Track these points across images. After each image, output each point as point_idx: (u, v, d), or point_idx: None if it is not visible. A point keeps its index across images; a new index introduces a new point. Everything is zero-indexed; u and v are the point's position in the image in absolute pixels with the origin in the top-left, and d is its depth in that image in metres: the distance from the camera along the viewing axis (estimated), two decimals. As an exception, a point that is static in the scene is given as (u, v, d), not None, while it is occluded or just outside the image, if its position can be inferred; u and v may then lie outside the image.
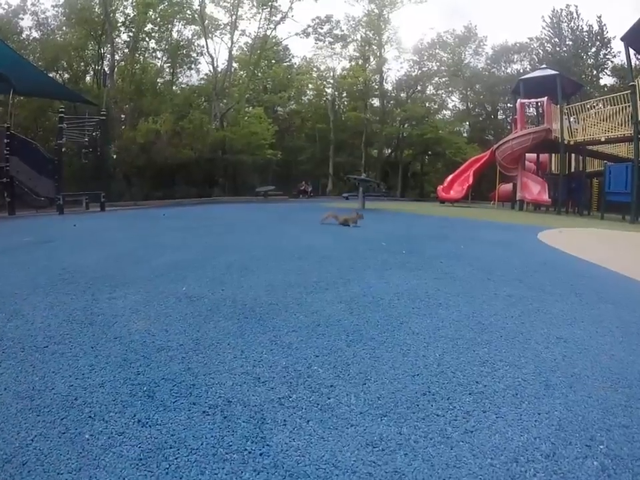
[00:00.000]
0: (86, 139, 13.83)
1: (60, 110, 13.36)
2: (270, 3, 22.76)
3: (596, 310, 2.51)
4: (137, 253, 4.08)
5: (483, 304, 2.46)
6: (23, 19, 22.95)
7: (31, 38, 23.12)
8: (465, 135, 32.46)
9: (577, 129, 16.20)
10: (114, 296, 2.52)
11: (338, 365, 1.57)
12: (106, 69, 21.07)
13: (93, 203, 12.60)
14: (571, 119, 16.63)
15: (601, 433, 1.25)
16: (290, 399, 1.32)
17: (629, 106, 13.61)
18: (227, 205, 15.25)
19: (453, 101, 35.07)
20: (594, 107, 16.35)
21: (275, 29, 24.55)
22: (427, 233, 6.28)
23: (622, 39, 14.93)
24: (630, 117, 13.45)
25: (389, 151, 33.34)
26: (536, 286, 2.98)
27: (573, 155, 18.11)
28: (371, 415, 1.24)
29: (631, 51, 15.10)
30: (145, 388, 1.41)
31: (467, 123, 33.61)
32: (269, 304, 2.33)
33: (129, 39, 23.99)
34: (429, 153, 31.88)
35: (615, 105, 14.69)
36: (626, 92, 14.05)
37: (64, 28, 23.78)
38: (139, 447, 1.10)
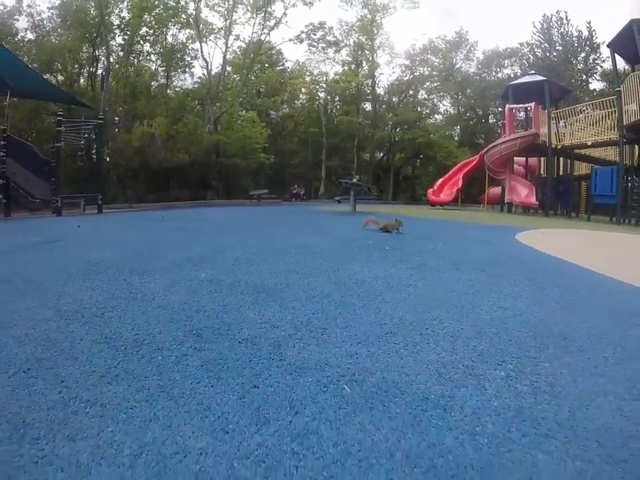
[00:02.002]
0: (82, 142, 14.24)
1: (58, 113, 13.71)
2: (264, 9, 23.48)
3: (542, 292, 3.09)
4: (150, 250, 4.61)
5: (445, 285, 3.04)
6: (18, 20, 23.39)
7: (26, 39, 23.52)
8: (457, 138, 33.34)
9: (564, 133, 16.87)
10: (144, 280, 3.05)
11: (329, 318, 2.14)
12: (103, 72, 21.41)
13: (88, 205, 12.90)
14: (560, 123, 17.20)
15: (512, 358, 1.83)
16: (296, 335, 1.90)
17: (614, 111, 14.24)
18: (221, 207, 15.74)
19: (444, 105, 36.21)
20: (583, 111, 16.81)
21: (269, 34, 25.38)
22: (411, 232, 6.80)
23: (608, 46, 15.62)
24: (616, 121, 14.00)
25: (381, 154, 34.19)
26: (496, 274, 3.60)
27: (561, 159, 18.86)
28: (350, 342, 1.82)
29: (619, 58, 15.91)
30: (193, 332, 1.99)
31: (458, 127, 34.54)
32: (274, 284, 2.90)
33: (123, 42, 24.55)
34: (421, 156, 32.75)
35: (601, 110, 15.30)
36: (611, 97, 14.76)
37: (59, 30, 24.14)
38: (200, 360, 1.70)
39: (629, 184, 14.04)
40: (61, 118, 13.17)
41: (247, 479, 1.03)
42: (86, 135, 14.24)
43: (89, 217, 11.15)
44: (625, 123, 13.39)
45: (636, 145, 14.99)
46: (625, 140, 14.00)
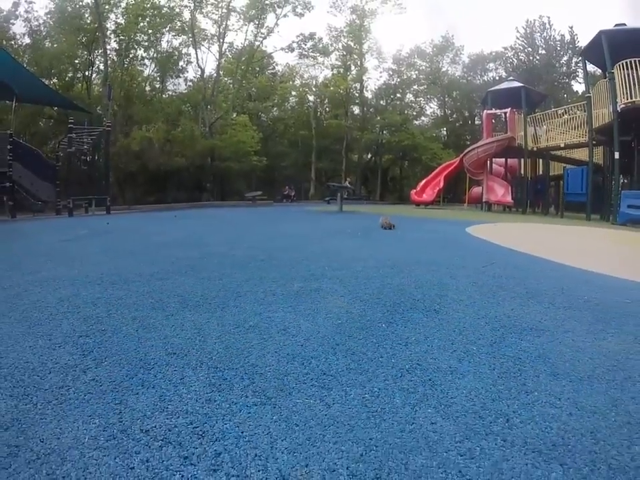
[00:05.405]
0: (86, 147, 15.95)
1: (69, 121, 15.24)
2: (258, 17, 25.50)
3: (444, 250, 5.26)
4: (192, 237, 6.53)
5: (387, 249, 5.33)
6: (14, 24, 24.44)
7: (24, 44, 24.78)
8: (444, 139, 35.82)
9: (540, 136, 18.82)
10: (210, 248, 4.99)
11: (318, 257, 4.32)
12: (109, 82, 22.88)
13: (96, 206, 14.44)
14: (544, 127, 18.85)
15: (400, 266, 4.12)
16: (305, 261, 4.15)
17: (585, 114, 15.89)
18: (220, 208, 17.59)
19: (431, 107, 38.76)
20: (561, 115, 18.44)
21: (261, 42, 27.38)
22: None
23: (580, 55, 17.50)
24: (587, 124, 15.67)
25: (369, 156, 36.66)
26: (424, 245, 5.88)
27: (540, 160, 20.90)
28: (330, 262, 4.07)
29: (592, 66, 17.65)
30: (259, 260, 4.22)
31: (445, 129, 37.07)
32: (287, 248, 5.10)
33: (119, 47, 25.94)
34: (408, 158, 35.21)
35: (574, 113, 17.24)
36: (582, 102, 16.62)
37: (52, 33, 25.39)
38: (269, 264, 3.93)
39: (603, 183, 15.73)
40: (72, 125, 14.85)
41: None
42: (90, 141, 15.83)
43: (101, 216, 12.26)
44: (595, 126, 15.07)
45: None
46: (594, 142, 15.74)
